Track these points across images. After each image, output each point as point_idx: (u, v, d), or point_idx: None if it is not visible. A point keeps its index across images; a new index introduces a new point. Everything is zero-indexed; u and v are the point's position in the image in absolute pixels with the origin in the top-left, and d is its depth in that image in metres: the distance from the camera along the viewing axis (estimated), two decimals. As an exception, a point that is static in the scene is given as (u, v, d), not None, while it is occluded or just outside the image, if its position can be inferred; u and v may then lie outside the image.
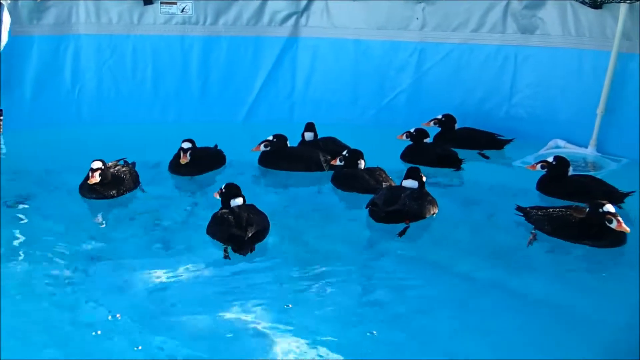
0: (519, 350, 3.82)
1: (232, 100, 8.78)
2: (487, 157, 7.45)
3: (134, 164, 6.44)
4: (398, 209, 5.42)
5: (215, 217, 5.20)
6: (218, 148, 7.04)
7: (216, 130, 7.91)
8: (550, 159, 6.22)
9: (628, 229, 4.89)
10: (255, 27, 8.70)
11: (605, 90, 7.45)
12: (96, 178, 5.74)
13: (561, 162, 6.19)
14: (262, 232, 5.03)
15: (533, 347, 3.85)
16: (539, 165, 6.23)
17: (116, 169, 6.06)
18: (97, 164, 5.80)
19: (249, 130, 8.41)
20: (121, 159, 6.39)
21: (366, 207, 5.63)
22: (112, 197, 5.87)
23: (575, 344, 3.89)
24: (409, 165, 6.59)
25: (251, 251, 4.83)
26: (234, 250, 4.84)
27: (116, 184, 5.93)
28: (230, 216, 5.05)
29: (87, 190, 5.85)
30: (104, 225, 5.50)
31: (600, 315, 4.18)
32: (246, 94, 8.82)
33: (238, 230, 4.90)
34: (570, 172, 6.23)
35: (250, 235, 4.88)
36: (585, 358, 3.74)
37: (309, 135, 7.41)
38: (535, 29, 7.98)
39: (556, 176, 6.20)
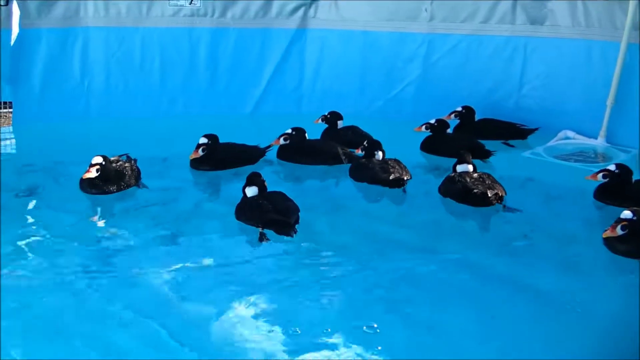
0: (528, 344, 3.79)
1: (240, 93, 8.78)
2: (512, 146, 7.50)
3: (135, 160, 6.32)
4: (496, 192, 5.60)
5: (247, 202, 5.27)
6: (261, 147, 6.93)
7: (224, 123, 7.90)
8: (612, 168, 5.81)
9: (605, 234, 4.82)
10: (264, 19, 8.69)
11: (614, 81, 7.44)
12: (92, 173, 5.66)
13: (625, 170, 5.80)
14: (298, 214, 5.18)
15: (540, 340, 3.82)
16: (600, 175, 5.81)
17: (118, 164, 5.98)
18: (96, 159, 5.73)
19: (257, 123, 8.42)
20: (123, 154, 6.33)
21: (458, 198, 5.71)
22: (112, 192, 5.80)
23: (585, 339, 3.87)
24: (430, 155, 6.92)
25: (295, 232, 4.95)
26: (278, 233, 4.96)
27: (117, 179, 5.85)
28: (264, 201, 5.15)
29: (87, 184, 5.77)
30: (112, 218, 5.49)
31: (613, 311, 4.17)
32: (254, 86, 8.82)
33: (279, 215, 5.04)
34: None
35: (294, 219, 5.07)
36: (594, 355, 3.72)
37: (341, 124, 7.52)
38: (544, 19, 7.97)
39: (619, 184, 5.78)
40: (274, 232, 4.99)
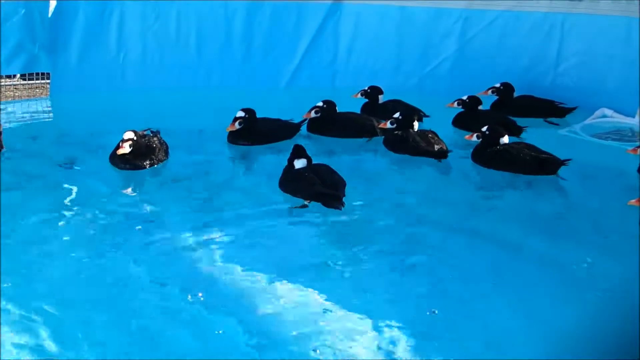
0: (555, 320, 3.77)
1: (274, 66, 8.79)
2: (556, 124, 7.44)
3: (158, 132, 6.24)
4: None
5: (293, 174, 5.30)
6: (294, 122, 6.91)
7: (259, 96, 7.90)
8: None
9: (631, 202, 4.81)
10: (299, -8, 8.68)
11: (654, 60, 7.32)
12: (126, 149, 5.65)
13: None
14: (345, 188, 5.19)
15: (571, 319, 3.80)
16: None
17: (146, 139, 5.94)
18: (129, 135, 5.72)
19: (292, 96, 8.42)
20: (147, 129, 6.23)
21: (528, 169, 5.80)
22: (144, 167, 5.80)
23: (614, 316, 3.84)
24: (461, 131, 6.79)
25: (343, 205, 4.93)
26: (326, 206, 4.95)
27: (148, 154, 5.85)
28: (311, 174, 5.17)
29: (119, 160, 5.75)
30: (146, 192, 5.49)
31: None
32: (289, 60, 8.83)
33: (327, 188, 5.05)
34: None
35: (342, 192, 5.06)
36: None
37: (382, 98, 7.53)
38: (583, -5, 7.88)
39: None
40: (322, 205, 4.99)
